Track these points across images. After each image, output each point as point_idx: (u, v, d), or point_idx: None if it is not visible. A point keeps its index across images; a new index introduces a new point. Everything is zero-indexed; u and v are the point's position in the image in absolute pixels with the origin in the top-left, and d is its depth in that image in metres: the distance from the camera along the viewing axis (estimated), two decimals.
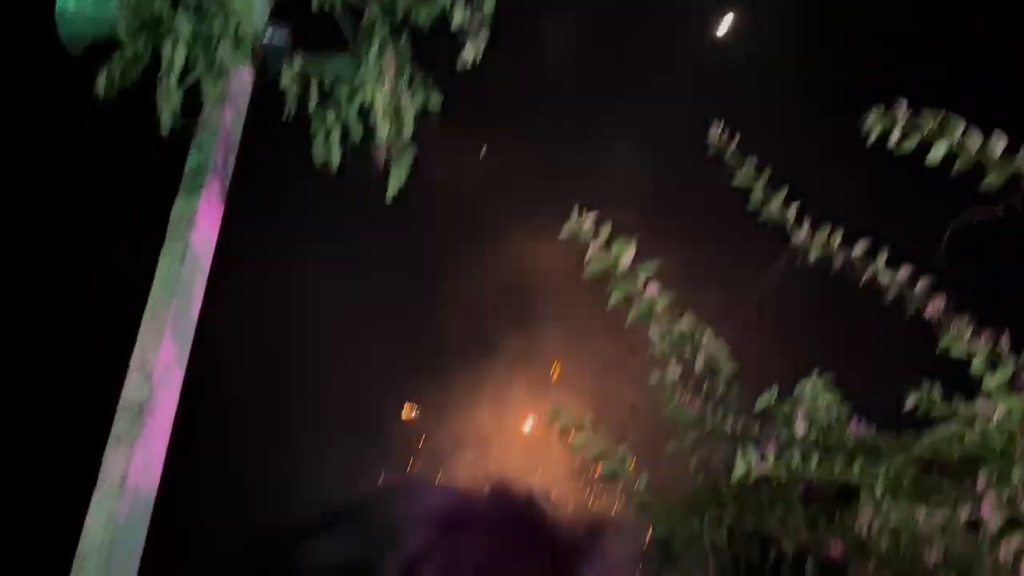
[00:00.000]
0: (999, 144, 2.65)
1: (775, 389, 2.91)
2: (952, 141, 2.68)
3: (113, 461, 3.79)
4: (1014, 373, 2.63)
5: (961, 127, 2.66)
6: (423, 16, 3.74)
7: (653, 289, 2.74)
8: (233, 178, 4.79)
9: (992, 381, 2.55)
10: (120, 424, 3.94)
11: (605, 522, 14.43)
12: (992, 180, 2.66)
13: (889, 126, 2.80)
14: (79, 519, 3.71)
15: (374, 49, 3.72)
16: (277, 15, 4.62)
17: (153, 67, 4.14)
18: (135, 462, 3.78)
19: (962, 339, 2.76)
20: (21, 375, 11.93)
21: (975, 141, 2.67)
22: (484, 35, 3.66)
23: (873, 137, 2.86)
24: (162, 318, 4.20)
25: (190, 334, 4.36)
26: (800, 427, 2.82)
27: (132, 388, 4.06)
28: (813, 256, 3.21)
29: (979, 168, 2.70)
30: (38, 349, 12.18)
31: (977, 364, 2.64)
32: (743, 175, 3.20)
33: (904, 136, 2.79)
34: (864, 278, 3.10)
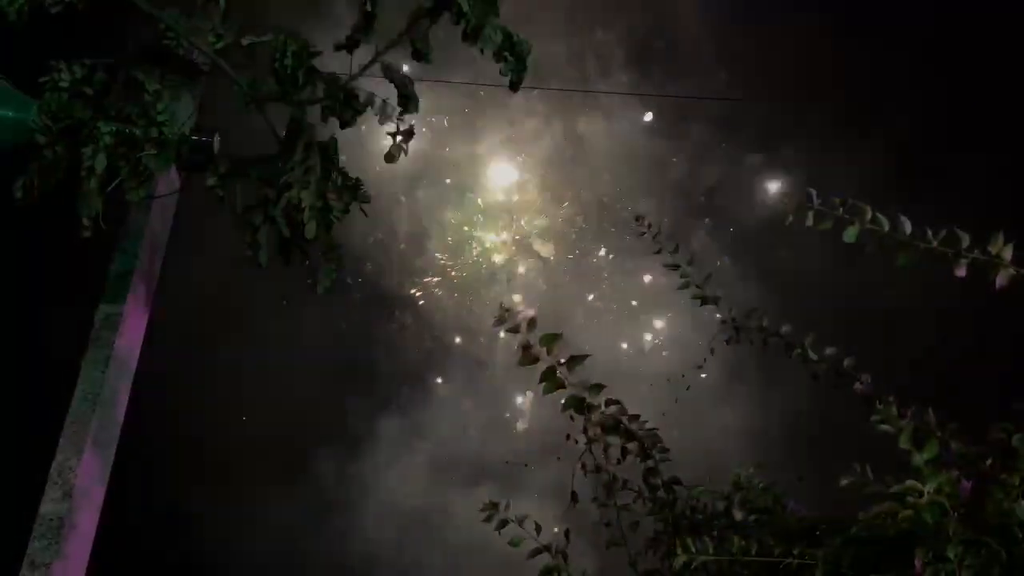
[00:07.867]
0: (907, 225, 2.74)
1: (709, 478, 2.91)
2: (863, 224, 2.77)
3: None
4: (941, 448, 2.66)
5: (868, 212, 2.75)
6: (348, 115, 3.78)
7: (581, 382, 2.72)
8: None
9: (919, 458, 2.57)
10: (36, 544, 3.72)
11: None
12: (903, 261, 2.74)
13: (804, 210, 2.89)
14: None
15: (299, 149, 3.74)
16: (203, 118, 4.63)
17: (78, 169, 4.07)
18: None
19: (889, 414, 2.79)
20: None
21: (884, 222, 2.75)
22: (410, 136, 3.71)
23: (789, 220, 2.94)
24: (83, 429, 4.03)
25: (113, 444, 4.19)
26: (737, 513, 2.81)
27: (50, 504, 3.86)
28: (743, 338, 3.26)
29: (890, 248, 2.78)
30: None
31: (904, 440, 2.66)
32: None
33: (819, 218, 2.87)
34: (794, 355, 3.15)
